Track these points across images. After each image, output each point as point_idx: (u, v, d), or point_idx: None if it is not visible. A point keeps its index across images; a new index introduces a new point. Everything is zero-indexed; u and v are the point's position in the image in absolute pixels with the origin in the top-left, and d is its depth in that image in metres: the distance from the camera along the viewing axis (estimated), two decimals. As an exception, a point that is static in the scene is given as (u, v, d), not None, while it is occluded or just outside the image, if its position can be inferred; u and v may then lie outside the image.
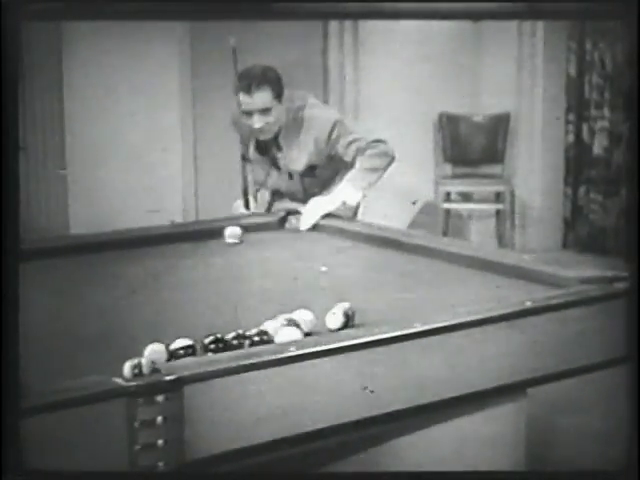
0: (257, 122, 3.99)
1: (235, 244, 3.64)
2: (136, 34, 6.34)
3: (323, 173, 4.18)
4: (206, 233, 3.77)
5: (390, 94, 7.27)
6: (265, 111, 3.98)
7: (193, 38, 6.70)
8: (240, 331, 2.29)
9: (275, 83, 3.99)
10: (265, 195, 4.38)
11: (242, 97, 3.97)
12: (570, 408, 4.31)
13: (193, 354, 2.23)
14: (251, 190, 4.37)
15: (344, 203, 3.96)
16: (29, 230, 5.16)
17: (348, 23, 7.14)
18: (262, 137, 4.09)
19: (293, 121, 4.08)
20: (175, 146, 6.75)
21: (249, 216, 4.23)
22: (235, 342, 2.26)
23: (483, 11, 2.23)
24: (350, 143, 4.05)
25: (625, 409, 2.23)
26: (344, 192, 3.99)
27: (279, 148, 4.12)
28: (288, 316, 2.54)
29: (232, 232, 3.68)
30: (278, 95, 3.99)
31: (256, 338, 2.28)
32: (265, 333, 2.31)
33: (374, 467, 2.38)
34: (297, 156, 4.11)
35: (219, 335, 2.25)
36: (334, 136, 4.05)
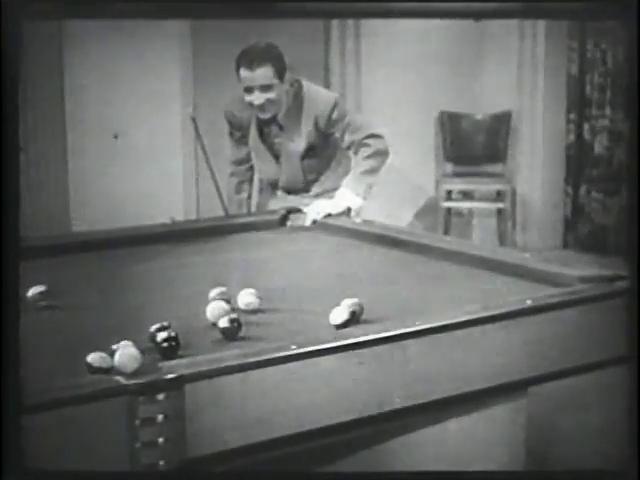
0: (257, 98, 3.96)
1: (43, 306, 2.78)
2: (137, 33, 6.34)
3: (321, 155, 4.18)
4: (208, 232, 3.78)
5: (391, 93, 7.28)
6: (266, 88, 3.94)
7: (195, 37, 6.70)
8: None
9: (277, 60, 3.96)
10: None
11: (243, 72, 3.93)
12: (570, 407, 4.31)
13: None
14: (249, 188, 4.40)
15: (348, 209, 3.98)
16: (30, 228, 5.16)
17: (350, 22, 7.14)
18: (262, 115, 4.06)
19: (293, 101, 4.06)
20: (176, 146, 6.75)
21: (250, 215, 4.25)
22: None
23: (483, 10, 2.24)
24: (345, 129, 4.05)
25: (625, 408, 2.24)
26: (346, 198, 3.99)
27: (280, 128, 4.12)
28: (222, 290, 2.66)
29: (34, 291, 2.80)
30: (280, 73, 3.96)
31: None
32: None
33: (374, 466, 2.38)
34: (298, 136, 4.10)
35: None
36: (334, 116, 4.04)
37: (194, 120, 4.22)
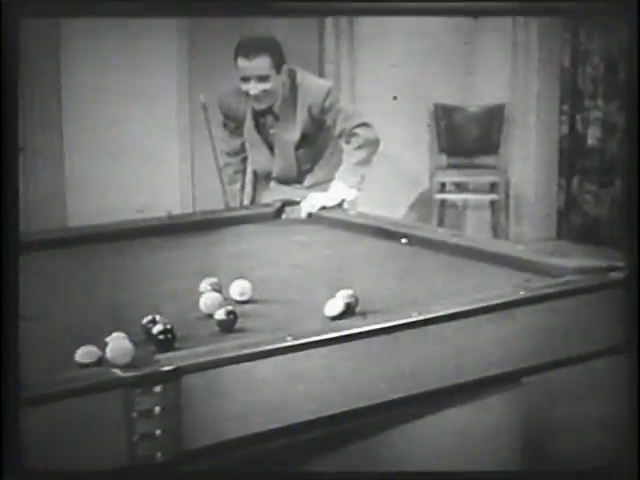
0: (253, 88, 3.98)
1: None
2: (134, 31, 6.33)
3: (314, 144, 4.20)
4: (204, 225, 3.79)
5: (386, 85, 7.27)
6: (262, 78, 3.96)
7: (192, 34, 6.69)
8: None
9: (275, 52, 3.98)
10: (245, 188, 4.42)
11: (241, 62, 3.95)
12: (565, 397, 4.32)
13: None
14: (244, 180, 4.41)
15: (344, 200, 3.99)
16: (27, 223, 5.17)
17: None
18: (256, 106, 4.08)
19: (289, 90, 4.08)
20: (172, 140, 6.75)
21: (246, 207, 4.25)
22: None
23: (479, 8, 2.25)
24: (337, 117, 4.06)
25: (621, 399, 2.25)
26: (340, 191, 4.00)
27: (276, 118, 4.13)
28: (213, 280, 2.67)
29: None
30: (277, 65, 3.98)
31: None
32: None
33: (369, 457, 2.39)
34: (292, 125, 4.11)
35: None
36: (327, 104, 4.06)
37: (204, 106, 4.22)
